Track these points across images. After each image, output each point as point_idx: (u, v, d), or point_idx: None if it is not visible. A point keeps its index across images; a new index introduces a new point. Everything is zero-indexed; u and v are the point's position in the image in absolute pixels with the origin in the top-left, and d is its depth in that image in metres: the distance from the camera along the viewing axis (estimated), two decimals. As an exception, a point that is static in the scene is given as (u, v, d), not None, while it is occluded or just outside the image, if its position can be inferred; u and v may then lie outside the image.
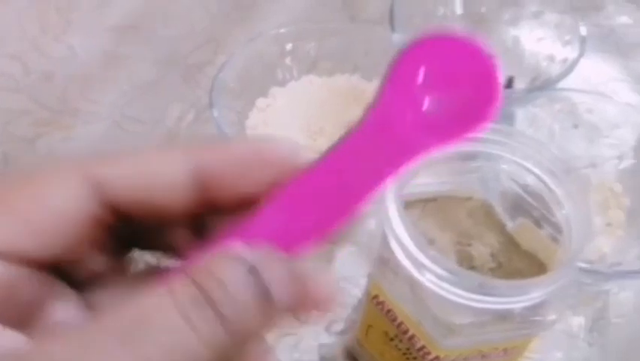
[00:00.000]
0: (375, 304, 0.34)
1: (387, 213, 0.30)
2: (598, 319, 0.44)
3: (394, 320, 0.33)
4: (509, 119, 0.49)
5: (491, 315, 0.30)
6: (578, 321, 0.44)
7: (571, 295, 0.45)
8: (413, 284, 0.30)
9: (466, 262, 0.35)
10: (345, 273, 0.45)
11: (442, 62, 0.20)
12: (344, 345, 0.42)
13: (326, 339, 0.42)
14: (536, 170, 0.33)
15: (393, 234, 0.29)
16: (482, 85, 0.20)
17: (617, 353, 0.43)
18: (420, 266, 0.28)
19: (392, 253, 0.30)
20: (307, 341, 0.42)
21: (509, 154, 0.33)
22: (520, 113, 0.49)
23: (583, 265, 0.44)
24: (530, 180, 0.34)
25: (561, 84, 0.53)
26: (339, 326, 0.43)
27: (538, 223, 0.35)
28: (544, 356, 0.42)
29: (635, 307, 0.45)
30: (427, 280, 0.28)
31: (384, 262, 0.32)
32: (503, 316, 0.30)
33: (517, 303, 0.29)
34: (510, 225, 0.36)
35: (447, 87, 0.20)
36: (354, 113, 0.50)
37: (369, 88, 0.50)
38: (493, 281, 0.28)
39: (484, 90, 0.20)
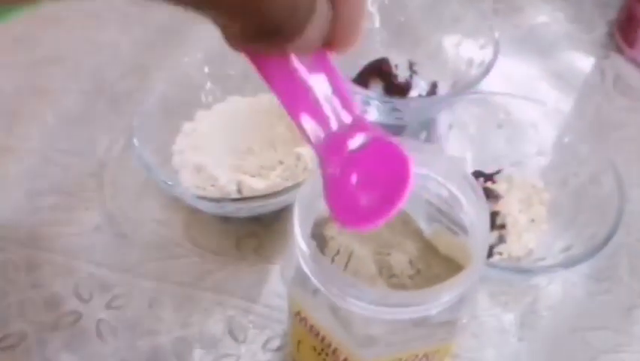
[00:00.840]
0: (299, 321, 0.35)
1: (294, 232, 0.30)
2: (528, 313, 0.45)
3: (317, 334, 0.34)
4: (432, 125, 0.50)
5: (404, 324, 0.31)
6: (508, 317, 0.45)
7: (501, 292, 0.46)
8: (326, 299, 0.31)
9: (386, 271, 0.36)
10: (279, 290, 0.45)
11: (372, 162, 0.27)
12: (281, 361, 0.43)
13: (263, 357, 0.43)
14: (447, 183, 0.35)
15: (301, 252, 0.30)
16: (398, 178, 0.26)
17: (547, 345, 0.44)
18: (326, 282, 0.29)
19: (304, 271, 0.31)
20: (245, 361, 0.42)
21: (423, 168, 0.35)
22: (443, 118, 0.51)
23: (507, 264, 0.46)
24: (443, 191, 0.35)
25: (484, 86, 0.55)
26: (275, 343, 0.43)
27: (452, 229, 0.36)
28: (475, 354, 0.43)
29: (563, 299, 0.46)
30: (335, 295, 0.29)
31: (300, 279, 0.32)
32: (417, 323, 0.31)
33: (425, 311, 0.30)
34: (427, 231, 0.37)
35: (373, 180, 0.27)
36: (280, 130, 0.51)
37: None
38: (394, 293, 0.28)
39: (399, 182, 0.26)
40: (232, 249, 0.48)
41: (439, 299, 0.29)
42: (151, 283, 0.46)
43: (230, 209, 0.46)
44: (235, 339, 0.43)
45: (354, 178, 0.27)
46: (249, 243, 0.48)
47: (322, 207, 0.36)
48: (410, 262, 0.36)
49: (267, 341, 0.43)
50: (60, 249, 0.47)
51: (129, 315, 0.44)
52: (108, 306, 0.45)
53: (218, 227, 0.49)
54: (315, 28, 0.22)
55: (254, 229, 0.48)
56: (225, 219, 0.49)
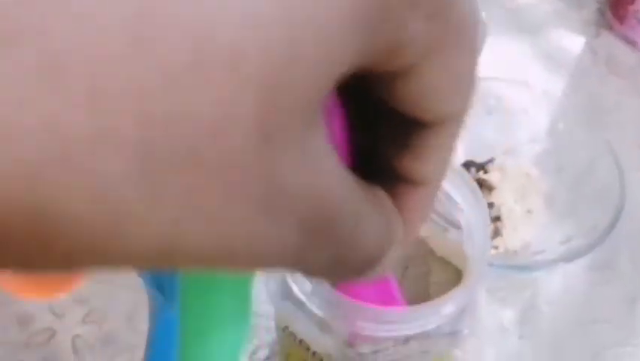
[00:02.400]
0: (287, 335, 0.33)
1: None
2: (528, 308, 0.43)
3: (308, 348, 0.32)
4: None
5: (400, 339, 0.28)
6: (507, 314, 0.43)
7: (498, 287, 0.44)
8: (315, 316, 0.28)
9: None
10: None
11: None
12: (270, 372, 0.40)
13: (251, 368, 0.40)
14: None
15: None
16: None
17: (549, 342, 0.42)
18: (314, 299, 0.27)
19: (289, 286, 0.28)
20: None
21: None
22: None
23: (504, 261, 0.43)
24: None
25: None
26: (263, 353, 0.41)
27: (448, 230, 0.34)
28: (475, 355, 0.41)
29: (563, 291, 0.44)
30: (324, 313, 0.27)
31: (285, 293, 0.30)
32: (415, 337, 0.29)
33: (422, 327, 0.27)
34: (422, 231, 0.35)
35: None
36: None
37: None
38: (387, 311, 0.26)
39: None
40: (214, 254, 0.45)
41: (438, 314, 0.27)
42: (129, 295, 0.43)
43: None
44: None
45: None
46: (231, 247, 0.45)
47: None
48: (406, 267, 0.34)
49: (254, 351, 0.41)
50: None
51: (107, 329, 0.42)
52: (84, 321, 0.42)
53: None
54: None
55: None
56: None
